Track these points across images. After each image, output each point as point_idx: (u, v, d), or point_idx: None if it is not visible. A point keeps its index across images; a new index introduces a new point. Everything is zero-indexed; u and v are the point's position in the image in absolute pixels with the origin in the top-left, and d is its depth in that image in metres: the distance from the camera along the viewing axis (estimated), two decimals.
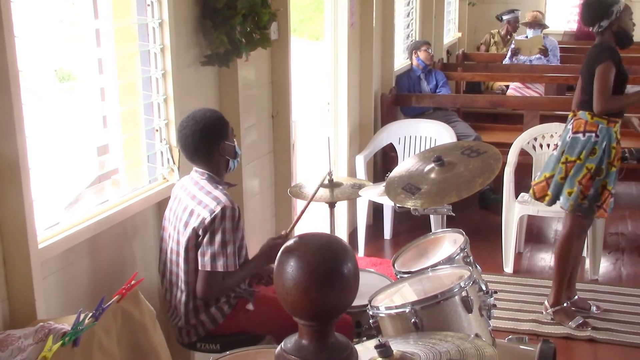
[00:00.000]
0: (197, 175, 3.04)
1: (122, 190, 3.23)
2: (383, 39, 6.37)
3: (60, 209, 2.97)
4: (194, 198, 2.96)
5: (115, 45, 3.23)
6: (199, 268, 2.91)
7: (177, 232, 2.98)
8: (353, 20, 5.57)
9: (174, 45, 3.31)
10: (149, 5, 3.27)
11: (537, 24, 8.55)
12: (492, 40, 9.53)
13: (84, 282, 2.89)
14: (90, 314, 2.31)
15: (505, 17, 9.35)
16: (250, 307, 3.04)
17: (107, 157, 3.26)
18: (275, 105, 4.36)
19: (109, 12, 3.20)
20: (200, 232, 2.89)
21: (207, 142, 2.99)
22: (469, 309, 2.48)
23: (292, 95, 4.39)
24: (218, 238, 2.87)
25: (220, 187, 3.00)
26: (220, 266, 2.88)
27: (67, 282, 2.80)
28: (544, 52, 8.27)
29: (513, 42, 8.53)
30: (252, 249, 3.25)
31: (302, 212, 3.34)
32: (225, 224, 2.87)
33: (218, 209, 2.87)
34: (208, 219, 2.87)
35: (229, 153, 3.06)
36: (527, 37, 8.58)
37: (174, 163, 3.42)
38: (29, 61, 2.68)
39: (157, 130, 3.38)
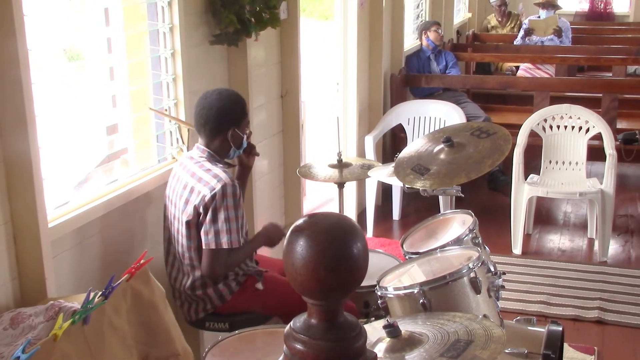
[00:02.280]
0: (197, 153, 3.04)
1: (131, 170, 3.25)
2: (393, 19, 6.33)
3: (70, 188, 2.99)
4: (193, 175, 2.97)
5: (124, 24, 3.23)
6: (203, 247, 2.92)
7: (178, 209, 2.99)
8: (363, 0, 5.54)
9: (183, 24, 3.30)
10: None
11: (550, 4, 8.45)
12: (489, 25, 9.45)
13: (94, 261, 2.91)
14: (100, 293, 2.32)
15: (492, 1, 9.27)
16: (259, 286, 3.05)
17: (116, 137, 3.27)
18: (285, 85, 4.35)
19: None
20: (201, 210, 2.89)
21: (218, 122, 2.99)
22: (477, 290, 2.48)
23: (301, 75, 4.38)
24: (221, 215, 2.87)
25: (220, 165, 3.00)
26: (225, 243, 2.89)
27: (77, 261, 2.81)
28: (558, 32, 8.19)
29: (526, 21, 8.45)
30: (260, 228, 3.27)
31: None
32: (227, 200, 2.88)
33: (218, 187, 2.88)
34: (208, 196, 2.87)
35: (234, 141, 3.05)
36: (539, 17, 8.50)
37: (183, 142, 3.42)
38: (38, 40, 2.68)
39: (166, 110, 3.38)
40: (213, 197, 2.87)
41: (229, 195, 2.88)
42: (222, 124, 3.00)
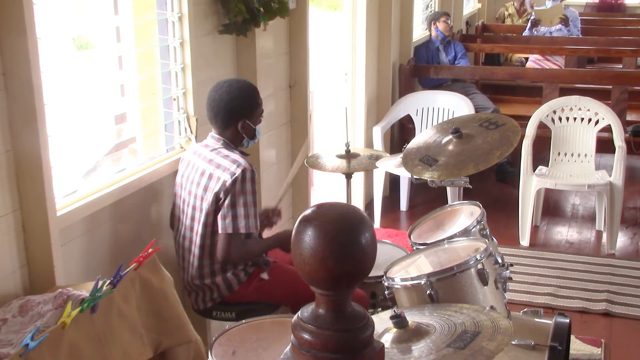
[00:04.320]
0: (212, 141, 3.05)
1: (139, 159, 3.25)
2: (402, 10, 6.32)
3: (79, 176, 3.00)
4: (211, 162, 2.97)
5: (133, 13, 3.23)
6: (220, 231, 2.92)
7: (194, 197, 2.99)
8: None
9: (192, 13, 3.30)
10: None
11: None
12: (506, 12, 9.41)
13: (103, 249, 2.92)
14: (108, 282, 2.33)
15: None
16: (265, 276, 3.06)
17: (124, 126, 3.28)
18: (293, 75, 4.34)
19: None
20: (221, 195, 2.89)
21: (230, 113, 3.00)
22: (484, 282, 2.48)
23: (309, 66, 4.38)
24: (241, 200, 2.88)
25: (237, 152, 3.01)
26: (242, 227, 2.90)
27: (86, 249, 2.83)
28: (565, 21, 8.14)
29: (533, 12, 8.41)
30: None
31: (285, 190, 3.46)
32: (247, 185, 2.89)
33: (239, 171, 2.89)
34: (229, 181, 2.88)
35: (247, 132, 3.06)
36: (546, 7, 8.46)
37: (191, 132, 3.43)
38: (47, 29, 2.68)
39: (174, 99, 3.39)
40: (234, 182, 2.87)
41: (248, 180, 2.90)
42: (232, 116, 3.00)
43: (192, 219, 3.00)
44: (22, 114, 2.40)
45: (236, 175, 2.88)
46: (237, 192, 2.88)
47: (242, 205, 2.89)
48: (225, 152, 2.98)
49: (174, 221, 3.15)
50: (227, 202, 2.88)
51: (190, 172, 3.04)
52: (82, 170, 3.05)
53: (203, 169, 2.98)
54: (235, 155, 2.96)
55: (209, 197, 2.92)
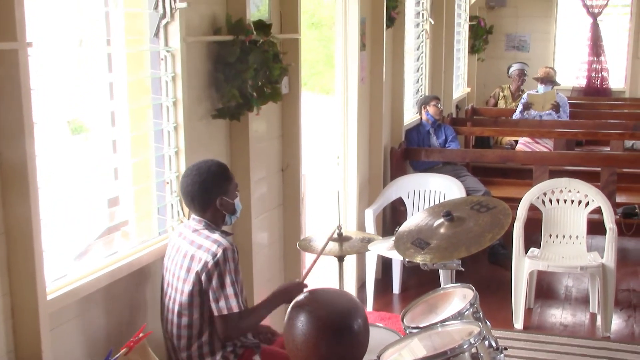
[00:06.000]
0: (194, 223, 3.07)
1: (131, 242, 3.24)
2: (393, 94, 6.43)
3: (70, 260, 2.97)
4: (192, 243, 2.98)
5: (129, 97, 3.27)
6: (215, 314, 2.90)
7: (177, 279, 2.98)
8: (363, 75, 5.63)
9: (186, 98, 3.34)
10: (162, 59, 3.31)
11: (549, 80, 8.59)
12: (501, 94, 9.58)
13: (93, 334, 2.88)
14: None
15: (512, 68, 9.42)
16: (257, 359, 3.02)
17: (117, 209, 3.27)
18: (285, 158, 4.38)
19: (123, 66, 3.25)
20: (203, 277, 2.89)
21: (205, 194, 3.03)
22: None
23: (302, 149, 4.42)
24: (228, 280, 2.89)
25: (218, 232, 3.02)
26: (235, 307, 2.89)
27: (76, 334, 2.78)
28: (556, 107, 8.30)
29: (525, 96, 8.57)
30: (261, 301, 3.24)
31: (312, 265, 3.34)
32: (230, 264, 2.91)
33: (220, 251, 2.90)
34: (211, 262, 2.89)
35: (226, 208, 3.09)
36: (537, 92, 8.62)
37: (184, 215, 3.43)
38: (44, 113, 2.70)
39: (167, 183, 3.40)
40: (217, 262, 2.88)
41: (230, 259, 2.91)
42: (208, 195, 3.03)
43: (178, 303, 2.97)
44: (15, 196, 2.40)
45: (218, 255, 2.89)
46: (223, 272, 2.89)
47: (230, 284, 2.89)
48: (207, 233, 3.00)
49: (162, 308, 3.12)
50: (214, 284, 2.88)
51: (176, 254, 3.04)
52: (74, 253, 3.03)
53: (185, 250, 2.99)
54: (216, 236, 2.98)
55: (191, 278, 2.92)
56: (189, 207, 3.10)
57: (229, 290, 2.89)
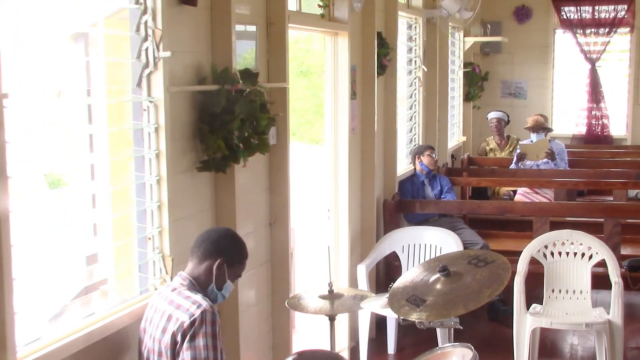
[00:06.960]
0: (178, 280, 2.98)
1: (111, 302, 3.16)
2: (385, 143, 6.36)
3: (44, 322, 2.91)
4: (171, 303, 2.87)
5: (109, 149, 3.24)
6: None
7: (152, 340, 2.86)
8: (354, 124, 5.56)
9: (169, 150, 3.29)
10: (145, 109, 3.28)
11: (540, 127, 8.49)
12: (487, 147, 9.50)
13: None
14: None
15: (489, 117, 9.30)
16: None
17: (96, 267, 3.23)
18: (273, 212, 4.31)
19: (104, 117, 3.22)
20: (179, 338, 2.76)
21: (214, 246, 2.98)
22: None
23: (290, 202, 4.34)
24: (201, 343, 2.74)
25: (200, 294, 2.91)
26: None
27: None
28: (551, 155, 8.21)
29: (518, 147, 8.50)
30: None
31: None
32: (206, 327, 2.76)
33: (198, 312, 2.77)
34: (187, 322, 2.76)
35: (218, 276, 2.99)
36: (531, 141, 8.56)
37: (166, 273, 3.34)
38: (19, 166, 2.66)
39: (149, 239, 3.32)
40: (192, 323, 2.75)
41: (209, 322, 2.77)
42: (215, 250, 2.97)
43: None
44: None
45: (195, 316, 2.76)
46: (196, 333, 2.74)
47: (203, 348, 2.73)
48: (187, 293, 2.89)
49: None
50: (185, 344, 2.73)
51: (154, 315, 2.92)
52: (48, 315, 2.96)
53: (163, 310, 2.87)
54: (197, 297, 2.86)
55: (166, 339, 2.78)
56: (191, 250, 3.01)
57: (199, 353, 2.72)
